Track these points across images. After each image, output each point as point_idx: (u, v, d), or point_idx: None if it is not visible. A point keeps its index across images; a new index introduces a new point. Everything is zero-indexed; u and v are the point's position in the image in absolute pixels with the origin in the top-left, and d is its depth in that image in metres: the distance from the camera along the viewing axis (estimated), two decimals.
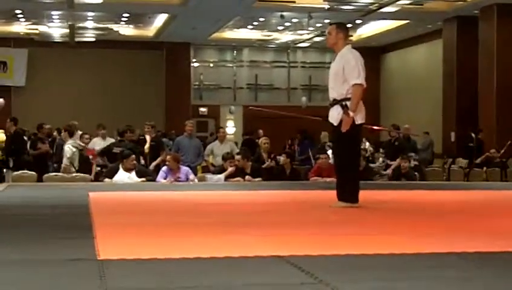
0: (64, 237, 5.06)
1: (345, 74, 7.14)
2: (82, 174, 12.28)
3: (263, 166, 13.05)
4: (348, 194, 7.17)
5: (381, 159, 19.64)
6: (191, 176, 11.93)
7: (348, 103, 7.08)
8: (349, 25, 24.49)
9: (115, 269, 3.77)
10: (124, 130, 13.98)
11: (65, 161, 12.99)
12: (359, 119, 7.16)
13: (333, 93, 7.26)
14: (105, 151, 13.63)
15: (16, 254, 4.31)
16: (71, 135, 13.90)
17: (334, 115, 7.19)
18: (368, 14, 21.43)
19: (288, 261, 3.91)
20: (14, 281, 3.53)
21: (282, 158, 12.72)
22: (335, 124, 7.18)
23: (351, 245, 4.68)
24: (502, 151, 17.87)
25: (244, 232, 5.31)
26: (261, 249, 4.40)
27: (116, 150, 12.73)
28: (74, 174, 12.35)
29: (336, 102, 7.18)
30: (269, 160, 13.61)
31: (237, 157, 12.41)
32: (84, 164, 13.07)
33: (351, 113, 7.04)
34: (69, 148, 13.10)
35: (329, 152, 16.14)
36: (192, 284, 3.48)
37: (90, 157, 13.72)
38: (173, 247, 4.59)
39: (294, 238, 5.04)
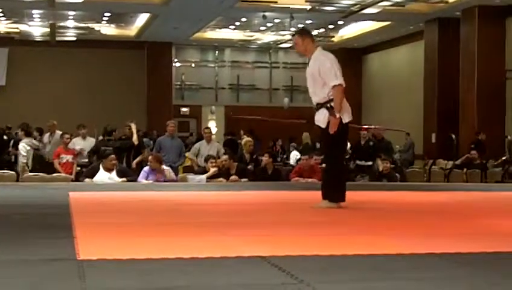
0: (44, 237, 5.03)
1: (322, 77, 7.17)
2: (63, 174, 12.21)
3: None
4: (336, 193, 7.21)
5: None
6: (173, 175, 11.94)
7: (332, 104, 7.13)
8: (331, 26, 24.85)
9: (94, 270, 3.74)
10: (112, 129, 13.98)
11: (21, 160, 12.91)
12: (346, 118, 7.23)
13: (315, 98, 7.30)
14: (96, 151, 13.54)
15: None
16: (28, 134, 13.83)
17: (321, 118, 7.23)
18: (350, 15, 21.51)
19: (269, 262, 3.91)
20: None
21: (264, 158, 12.71)
22: (323, 126, 7.22)
23: (331, 246, 4.69)
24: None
25: (226, 232, 5.30)
26: (242, 249, 4.39)
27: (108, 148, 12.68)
28: (55, 174, 12.28)
29: (320, 105, 7.23)
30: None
31: (224, 157, 12.43)
32: (40, 163, 12.91)
33: (337, 114, 7.09)
34: (23, 147, 13.02)
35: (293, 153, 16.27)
36: (173, 284, 3.46)
37: (71, 157, 13.67)
38: (154, 247, 4.57)
39: (276, 238, 5.04)
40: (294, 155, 17.58)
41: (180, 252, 4.25)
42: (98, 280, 3.53)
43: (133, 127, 13.86)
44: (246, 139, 14.98)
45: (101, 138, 15.17)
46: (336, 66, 7.22)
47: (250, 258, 4.05)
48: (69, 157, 13.68)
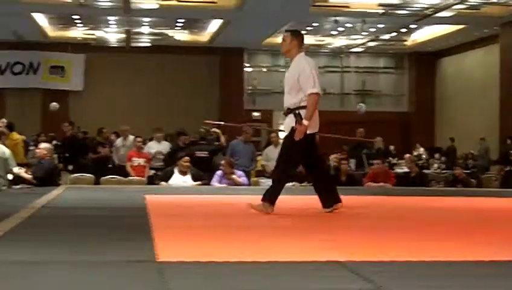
0: (123, 239, 5.13)
1: (300, 82, 7.06)
2: (138, 178, 12.43)
3: None
4: (271, 196, 7.13)
5: (435, 165, 19.47)
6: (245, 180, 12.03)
7: (301, 111, 7.01)
8: (403, 30, 24.58)
9: (174, 271, 3.80)
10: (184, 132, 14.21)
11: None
12: (311, 129, 7.10)
13: (287, 102, 7.21)
14: (171, 154, 13.72)
15: (74, 255, 4.38)
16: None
17: (288, 123, 7.15)
18: (423, 18, 21.24)
19: (346, 267, 3.90)
20: (73, 282, 3.60)
21: (343, 166, 12.62)
22: (286, 132, 7.18)
23: (408, 251, 4.64)
24: None
25: (300, 236, 5.32)
26: (318, 253, 4.39)
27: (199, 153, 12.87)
28: (131, 177, 12.52)
29: (289, 111, 7.13)
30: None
31: None
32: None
33: (305, 122, 6.96)
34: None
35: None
36: (250, 287, 3.49)
37: (143, 160, 13.89)
38: (231, 250, 4.61)
39: (351, 243, 5.02)
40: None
41: (256, 255, 4.28)
42: (179, 281, 3.60)
43: (217, 131, 14.15)
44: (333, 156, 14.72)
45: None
46: (315, 74, 7.10)
47: (327, 262, 4.06)
48: (141, 161, 13.91)
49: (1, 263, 4.03)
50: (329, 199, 7.29)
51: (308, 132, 7.03)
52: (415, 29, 25.17)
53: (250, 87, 29.61)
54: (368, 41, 26.06)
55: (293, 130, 7.04)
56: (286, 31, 7.68)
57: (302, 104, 7.03)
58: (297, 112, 7.02)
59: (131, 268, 3.94)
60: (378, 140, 18.99)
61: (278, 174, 7.35)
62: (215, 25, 24.38)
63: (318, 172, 7.43)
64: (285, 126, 7.26)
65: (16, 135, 15.12)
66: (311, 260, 4.14)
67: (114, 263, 4.10)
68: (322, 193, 7.32)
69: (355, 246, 4.83)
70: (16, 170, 11.06)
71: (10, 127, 15.42)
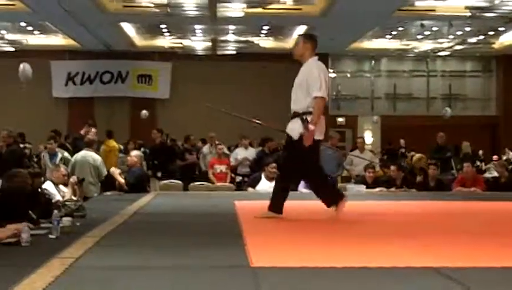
0: (215, 244, 5.23)
1: (308, 85, 6.93)
2: (226, 184, 12.58)
3: None
4: (277, 204, 7.05)
5: None
6: None
7: (308, 117, 6.87)
8: (491, 33, 24.08)
9: (268, 277, 3.86)
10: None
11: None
12: (318, 135, 6.96)
13: (295, 106, 7.07)
14: (258, 160, 13.85)
15: (170, 260, 4.50)
16: None
17: (294, 128, 6.99)
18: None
19: (441, 273, 3.88)
20: (170, 287, 3.71)
21: (431, 171, 12.45)
22: (295, 138, 6.97)
23: (501, 257, 4.58)
24: None
25: (392, 242, 5.31)
26: (411, 259, 4.38)
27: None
28: (219, 184, 12.68)
29: (296, 115, 7.00)
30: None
31: (393, 167, 12.39)
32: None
33: (312, 127, 6.81)
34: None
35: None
36: None
37: (224, 167, 14.02)
38: (322, 256, 4.65)
39: (443, 249, 4.98)
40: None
41: (348, 261, 4.30)
42: (273, 287, 3.65)
43: None
44: (419, 155, 14.57)
45: (260, 148, 15.50)
46: (323, 78, 6.95)
47: (421, 268, 4.05)
48: (222, 168, 14.07)
49: (98, 268, 4.18)
50: (335, 197, 7.18)
51: (315, 137, 6.94)
52: (503, 31, 24.61)
53: (334, 93, 29.54)
54: (455, 45, 25.62)
55: (301, 137, 6.91)
56: (299, 35, 7.62)
57: (310, 109, 6.91)
58: (304, 117, 6.91)
59: (225, 273, 4.03)
60: (465, 145, 18.74)
61: (286, 183, 7.23)
62: (299, 31, 24.43)
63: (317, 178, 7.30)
64: (288, 130, 7.13)
65: (112, 142, 15.65)
66: (405, 265, 4.14)
67: (209, 268, 4.20)
68: (328, 195, 7.20)
69: (446, 252, 4.80)
70: (111, 170, 11.39)
71: (109, 134, 16.03)
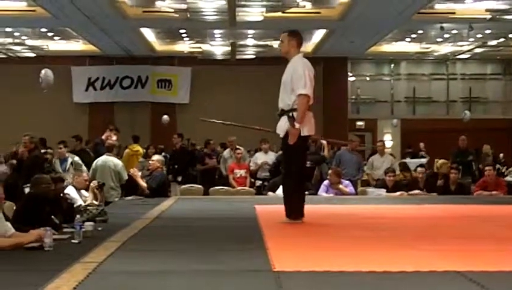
0: (237, 248, 5.24)
1: (293, 82, 6.91)
2: (246, 188, 12.59)
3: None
4: (292, 209, 6.96)
5: None
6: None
7: (294, 114, 6.87)
8: (511, 35, 23.91)
9: (291, 281, 3.87)
10: None
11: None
12: (306, 131, 6.95)
13: (281, 104, 7.07)
14: (277, 165, 13.87)
15: (192, 265, 4.49)
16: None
17: (281, 126, 7.01)
18: None
19: (466, 277, 3.87)
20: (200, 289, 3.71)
21: (452, 175, 12.38)
22: (281, 135, 7.00)
23: None
24: None
25: (415, 246, 5.29)
26: (435, 263, 4.36)
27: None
28: (239, 188, 12.69)
29: (283, 113, 7.00)
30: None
31: (420, 169, 12.43)
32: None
33: (297, 125, 6.81)
34: None
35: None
36: None
37: (244, 171, 14.05)
38: (346, 260, 4.64)
39: (466, 253, 4.97)
40: None
41: (372, 265, 4.29)
42: None
43: (323, 142, 14.30)
44: (442, 161, 14.48)
45: (280, 152, 15.48)
46: (308, 76, 6.93)
47: (445, 272, 4.03)
48: (242, 172, 14.09)
49: (121, 273, 4.19)
50: (300, 209, 7.03)
51: (303, 134, 6.93)
52: None
53: (353, 96, 29.48)
54: (475, 48, 25.48)
55: (287, 135, 6.93)
56: (284, 32, 7.51)
57: (295, 106, 6.92)
58: (290, 114, 6.92)
59: (248, 278, 4.04)
60: (486, 148, 18.63)
61: (287, 186, 7.17)
62: (318, 35, 24.40)
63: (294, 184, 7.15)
64: (278, 129, 7.15)
65: (137, 147, 15.83)
66: (428, 270, 4.12)
67: (232, 272, 4.21)
68: (296, 202, 7.04)
69: (470, 256, 4.78)
70: (131, 170, 11.44)
71: (135, 139, 16.21)
